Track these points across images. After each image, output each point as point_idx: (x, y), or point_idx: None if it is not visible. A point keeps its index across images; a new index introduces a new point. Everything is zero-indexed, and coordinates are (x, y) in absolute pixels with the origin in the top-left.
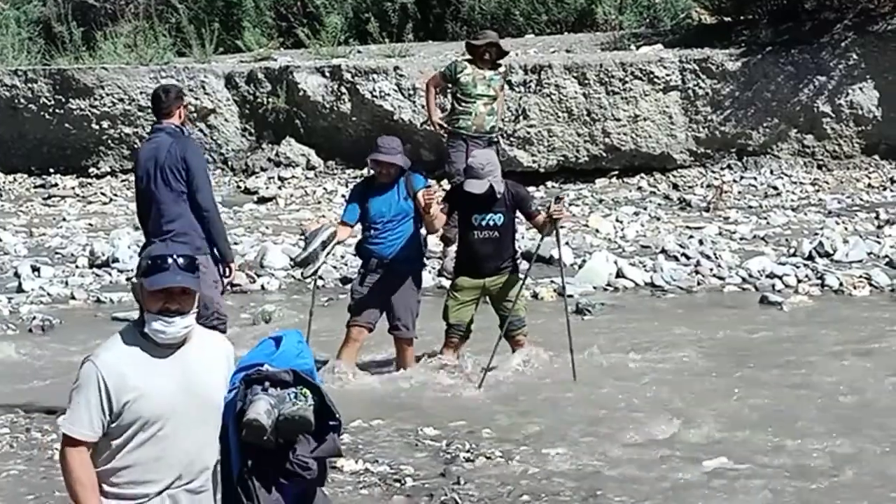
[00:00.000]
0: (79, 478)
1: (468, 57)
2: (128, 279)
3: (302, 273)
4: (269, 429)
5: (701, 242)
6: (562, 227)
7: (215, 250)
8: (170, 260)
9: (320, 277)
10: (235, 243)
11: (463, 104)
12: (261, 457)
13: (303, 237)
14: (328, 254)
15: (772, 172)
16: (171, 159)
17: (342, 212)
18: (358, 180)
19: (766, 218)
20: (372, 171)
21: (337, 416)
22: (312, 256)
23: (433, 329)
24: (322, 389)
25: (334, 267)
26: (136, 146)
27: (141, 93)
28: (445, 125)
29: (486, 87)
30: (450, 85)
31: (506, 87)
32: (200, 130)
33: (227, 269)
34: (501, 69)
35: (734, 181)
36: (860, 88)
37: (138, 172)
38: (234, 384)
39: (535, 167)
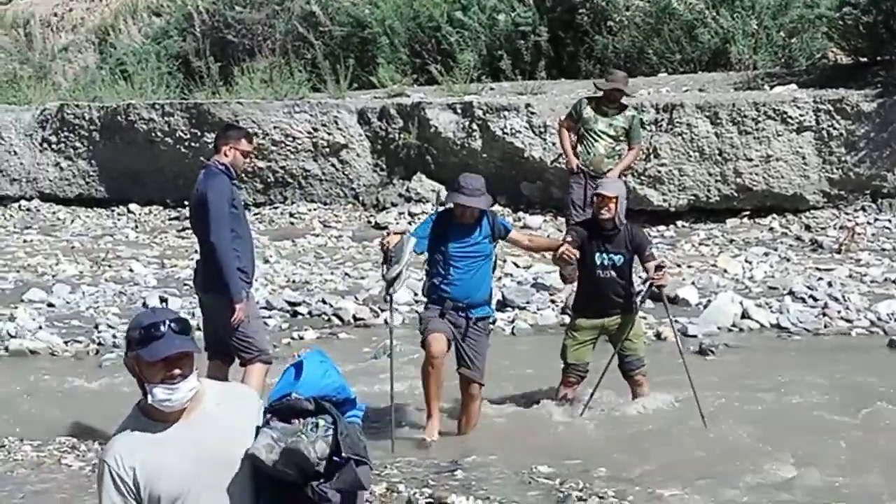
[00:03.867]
0: None
1: (597, 94)
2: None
3: (393, 289)
4: (272, 463)
5: (830, 284)
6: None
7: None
8: (163, 327)
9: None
10: (362, 277)
11: (585, 142)
12: (286, 489)
13: (389, 252)
14: (405, 264)
15: None
16: (196, 197)
17: (416, 227)
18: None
19: None
20: (446, 205)
21: (345, 454)
22: (402, 271)
23: (553, 366)
24: (339, 418)
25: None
26: (269, 180)
27: (275, 127)
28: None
29: (608, 126)
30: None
31: (640, 130)
32: (332, 165)
33: (232, 309)
34: (629, 112)
35: (868, 223)
36: None
37: None
38: (262, 421)
39: (666, 206)
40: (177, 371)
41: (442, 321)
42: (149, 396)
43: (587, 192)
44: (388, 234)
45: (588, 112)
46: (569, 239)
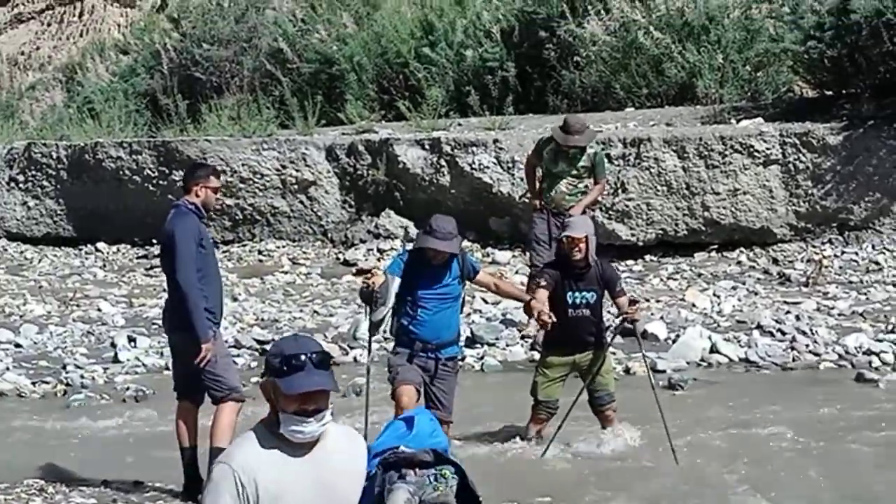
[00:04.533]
0: None
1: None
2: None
3: (378, 332)
4: None
5: (798, 318)
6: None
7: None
8: (303, 357)
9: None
10: (331, 315)
11: (547, 180)
12: None
13: (375, 294)
14: (386, 310)
15: (874, 247)
16: (164, 236)
17: (389, 265)
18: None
19: (865, 293)
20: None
21: (478, 495)
22: (388, 313)
23: (522, 403)
24: (462, 468)
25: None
26: (237, 217)
27: (243, 164)
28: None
29: (569, 164)
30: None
31: (604, 164)
32: (301, 202)
33: (199, 349)
34: (591, 150)
35: (835, 256)
36: None
37: None
38: (372, 470)
39: (634, 241)
40: (312, 406)
41: (411, 369)
42: (281, 425)
43: (550, 227)
44: (372, 275)
45: (549, 152)
46: (542, 283)
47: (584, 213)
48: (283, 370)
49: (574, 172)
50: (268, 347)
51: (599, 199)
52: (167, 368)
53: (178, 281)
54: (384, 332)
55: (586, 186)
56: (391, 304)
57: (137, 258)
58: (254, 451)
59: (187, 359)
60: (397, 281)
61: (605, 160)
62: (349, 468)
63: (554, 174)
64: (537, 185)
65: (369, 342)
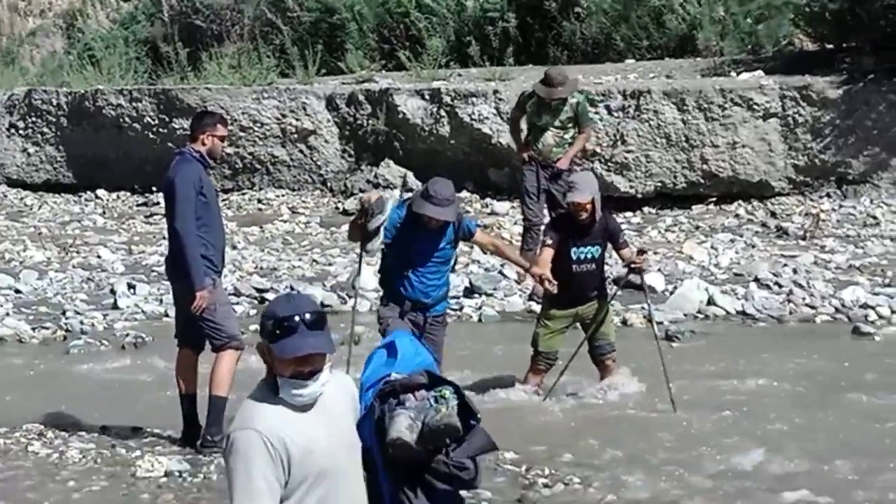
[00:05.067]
0: None
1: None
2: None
3: (369, 245)
4: (414, 443)
5: (795, 271)
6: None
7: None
8: (297, 319)
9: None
10: (329, 264)
11: (533, 132)
12: (413, 468)
13: (371, 205)
14: (379, 225)
15: (871, 201)
16: (166, 183)
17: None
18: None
19: (863, 247)
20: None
21: (477, 412)
22: (381, 227)
23: (519, 353)
24: (458, 386)
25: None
26: (237, 166)
27: (243, 113)
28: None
29: (553, 116)
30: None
31: (601, 111)
32: (300, 151)
33: (194, 296)
34: (573, 99)
35: (833, 210)
36: None
37: None
38: (367, 403)
39: (633, 193)
40: (308, 369)
41: (402, 322)
42: (280, 389)
43: (539, 179)
44: (369, 191)
45: (532, 105)
46: (549, 242)
47: (572, 162)
48: (276, 333)
49: (558, 124)
50: (267, 296)
51: (588, 146)
52: (166, 315)
53: (175, 228)
54: (378, 245)
55: (572, 136)
56: (386, 216)
57: (137, 206)
58: (271, 412)
59: (187, 306)
60: (395, 197)
61: (589, 107)
62: (346, 409)
63: (539, 127)
64: (523, 137)
65: (360, 257)
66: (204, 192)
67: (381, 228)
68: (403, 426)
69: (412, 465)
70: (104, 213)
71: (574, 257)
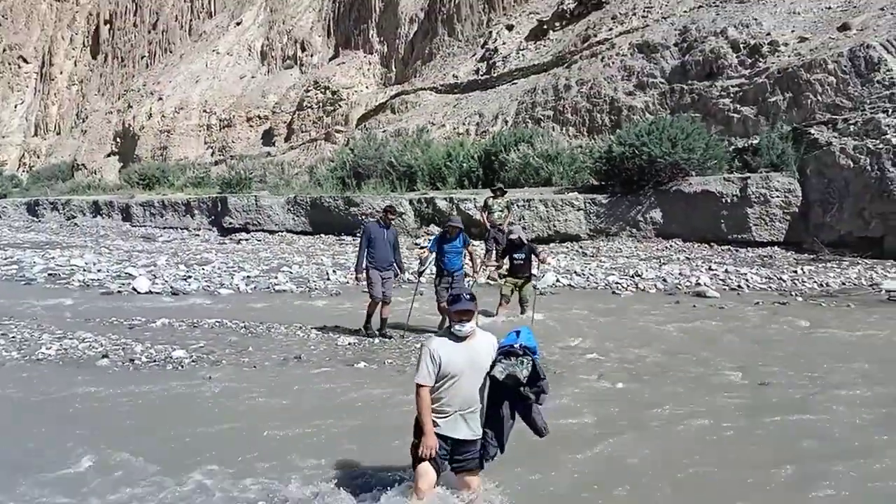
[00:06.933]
0: (425, 404)
1: (494, 196)
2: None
3: (421, 269)
4: (502, 378)
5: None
6: (546, 263)
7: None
8: (461, 296)
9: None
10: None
11: (489, 213)
12: (507, 392)
13: (423, 259)
14: (429, 265)
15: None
16: (366, 230)
17: (429, 244)
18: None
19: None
20: (445, 230)
21: (543, 375)
22: (426, 269)
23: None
24: (535, 360)
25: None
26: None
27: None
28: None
29: (498, 205)
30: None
31: (513, 206)
32: (400, 219)
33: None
34: (505, 199)
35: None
36: None
37: None
38: (497, 356)
39: (535, 237)
40: (466, 317)
41: (445, 291)
42: (452, 326)
43: (495, 235)
44: (424, 252)
45: (489, 201)
46: (506, 254)
47: (508, 224)
48: (453, 300)
49: (500, 209)
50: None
51: (511, 219)
52: (347, 283)
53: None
54: (426, 272)
55: (507, 215)
56: (429, 263)
57: (336, 239)
58: (440, 340)
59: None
60: (433, 256)
61: (511, 203)
62: (486, 351)
63: (492, 210)
64: (486, 217)
65: (418, 277)
66: (373, 236)
67: (427, 264)
68: (498, 370)
69: (505, 388)
70: (322, 244)
71: (516, 258)
